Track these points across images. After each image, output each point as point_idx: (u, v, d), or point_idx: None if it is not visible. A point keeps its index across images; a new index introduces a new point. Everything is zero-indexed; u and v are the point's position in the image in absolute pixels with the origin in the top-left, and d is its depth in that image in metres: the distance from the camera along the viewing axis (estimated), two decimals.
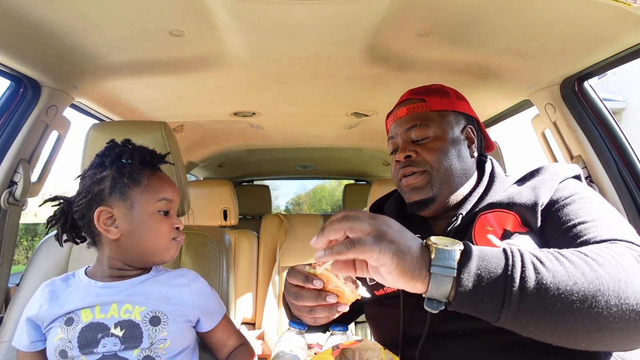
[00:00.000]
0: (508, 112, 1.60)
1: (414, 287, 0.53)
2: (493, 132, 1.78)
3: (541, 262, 0.53)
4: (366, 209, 1.32)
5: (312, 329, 0.87)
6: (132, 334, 0.75)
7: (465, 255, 0.53)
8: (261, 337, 2.08)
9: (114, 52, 1.10)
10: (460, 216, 0.79)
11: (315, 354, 0.67)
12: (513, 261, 0.52)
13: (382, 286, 0.82)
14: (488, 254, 0.54)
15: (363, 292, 0.67)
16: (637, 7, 0.76)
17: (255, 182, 3.58)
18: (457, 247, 0.54)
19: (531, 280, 0.51)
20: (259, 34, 1.01)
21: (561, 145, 1.30)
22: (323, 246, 0.54)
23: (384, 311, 0.84)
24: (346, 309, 0.65)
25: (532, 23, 0.95)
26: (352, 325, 2.07)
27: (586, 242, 0.63)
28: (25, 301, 0.84)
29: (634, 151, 1.16)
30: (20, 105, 1.15)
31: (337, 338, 0.76)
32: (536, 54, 1.11)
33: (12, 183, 1.14)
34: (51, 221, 0.84)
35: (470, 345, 0.69)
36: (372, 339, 0.78)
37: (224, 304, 0.93)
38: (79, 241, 0.85)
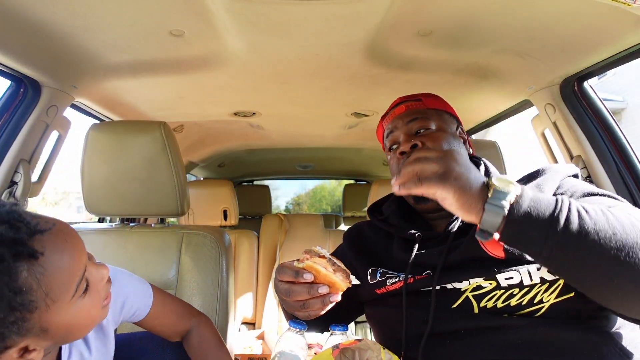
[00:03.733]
0: (508, 112, 1.60)
1: (468, 217, 0.62)
2: (493, 132, 1.78)
3: (586, 211, 0.58)
4: (365, 209, 1.32)
5: (312, 328, 0.87)
6: None
7: (520, 198, 0.59)
8: (261, 337, 2.08)
9: (114, 52, 1.10)
10: None
11: (315, 354, 0.67)
12: (561, 206, 0.58)
13: (384, 284, 0.82)
14: (541, 198, 0.60)
15: (354, 280, 0.67)
16: (637, 7, 0.76)
17: (255, 182, 3.58)
18: (514, 190, 0.59)
19: (574, 224, 0.57)
20: (259, 34, 1.01)
21: (561, 145, 1.30)
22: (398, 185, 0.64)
23: (385, 310, 0.84)
24: (339, 298, 0.66)
25: (532, 23, 0.95)
26: (352, 325, 2.07)
27: None
28: None
29: (633, 151, 1.16)
30: (20, 106, 1.15)
31: (337, 338, 0.75)
32: (536, 54, 1.11)
33: (13, 183, 1.14)
34: None
35: (471, 345, 0.69)
36: (372, 339, 0.78)
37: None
38: None
